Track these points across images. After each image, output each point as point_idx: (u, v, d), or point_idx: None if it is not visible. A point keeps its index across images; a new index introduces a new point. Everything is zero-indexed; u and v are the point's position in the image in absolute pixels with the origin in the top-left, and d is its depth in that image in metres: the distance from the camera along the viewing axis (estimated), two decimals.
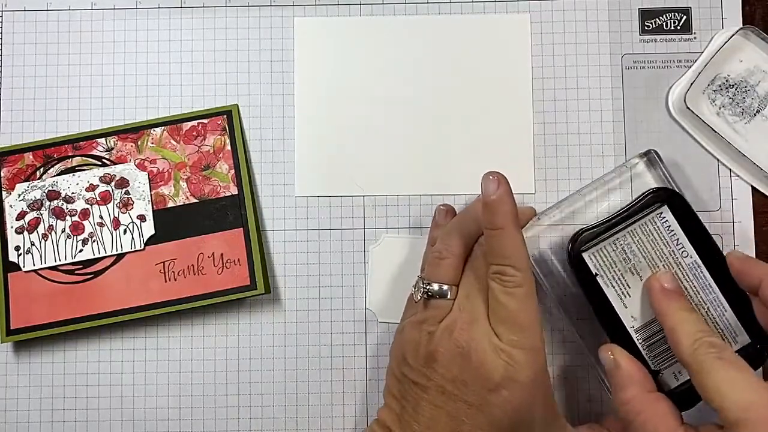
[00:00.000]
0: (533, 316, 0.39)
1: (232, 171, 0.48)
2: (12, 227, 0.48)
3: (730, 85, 0.49)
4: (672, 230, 0.42)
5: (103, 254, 0.48)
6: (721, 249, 0.42)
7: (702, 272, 0.42)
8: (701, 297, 0.42)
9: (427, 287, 0.41)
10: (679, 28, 0.50)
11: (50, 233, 0.48)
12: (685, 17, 0.50)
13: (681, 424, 0.37)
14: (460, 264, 0.41)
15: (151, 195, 0.48)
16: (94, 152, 0.49)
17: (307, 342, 0.48)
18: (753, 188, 0.49)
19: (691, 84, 0.48)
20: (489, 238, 0.40)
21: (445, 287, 0.41)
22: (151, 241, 0.47)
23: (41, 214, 0.48)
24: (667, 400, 0.39)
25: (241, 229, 0.48)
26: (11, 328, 0.47)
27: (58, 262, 0.47)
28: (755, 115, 0.49)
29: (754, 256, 0.48)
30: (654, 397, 0.39)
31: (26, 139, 0.49)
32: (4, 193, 0.48)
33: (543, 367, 0.38)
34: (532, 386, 0.37)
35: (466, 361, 0.38)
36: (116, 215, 0.48)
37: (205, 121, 0.49)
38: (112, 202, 0.48)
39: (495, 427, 0.37)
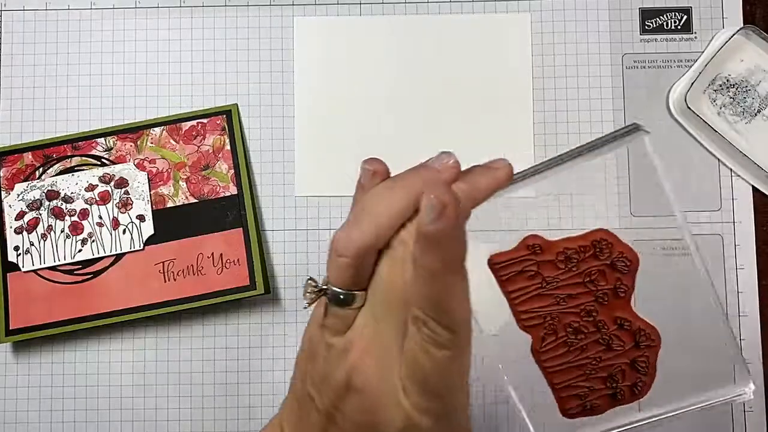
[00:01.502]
0: (455, 382, 0.29)
1: (232, 171, 0.48)
2: (11, 227, 0.48)
3: (730, 84, 0.49)
4: None
5: (102, 254, 0.47)
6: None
7: None
8: None
9: (320, 289, 0.31)
10: (679, 27, 0.50)
11: (49, 233, 0.48)
12: (685, 17, 0.50)
13: None
14: (366, 264, 0.29)
15: (150, 195, 0.48)
16: (94, 152, 0.48)
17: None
18: (753, 188, 0.49)
19: (692, 84, 0.48)
20: (417, 277, 0.28)
21: (343, 295, 0.29)
22: (150, 241, 0.47)
23: (40, 214, 0.48)
24: None
25: (241, 229, 0.47)
26: (10, 328, 0.47)
27: (58, 262, 0.47)
28: (756, 114, 0.49)
29: (754, 256, 0.48)
30: None
31: (25, 138, 0.49)
32: (3, 193, 0.48)
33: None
34: None
35: (359, 401, 0.29)
36: (115, 215, 0.48)
37: (204, 120, 0.49)
38: (111, 202, 0.48)
39: None
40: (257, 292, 0.46)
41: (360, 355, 0.29)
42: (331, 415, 0.30)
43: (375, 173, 0.32)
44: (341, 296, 0.29)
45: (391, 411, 0.29)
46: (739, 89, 0.49)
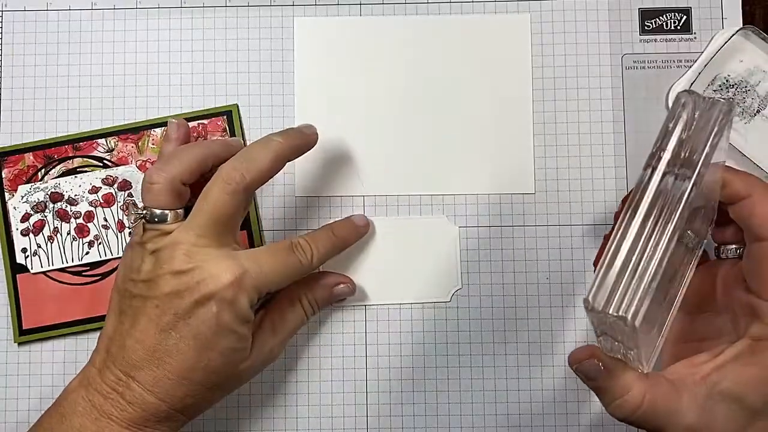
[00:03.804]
0: (238, 219, 0.41)
1: None
2: (17, 229, 0.48)
3: (730, 85, 0.49)
4: None
5: (109, 256, 0.48)
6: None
7: None
8: None
9: (141, 212, 0.40)
10: (679, 28, 0.50)
11: (56, 235, 0.48)
12: (685, 17, 0.50)
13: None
14: (179, 188, 0.41)
15: None
16: (95, 153, 0.49)
17: (307, 342, 0.48)
18: None
19: (692, 84, 0.48)
20: (249, 145, 0.42)
21: (159, 211, 0.40)
22: None
23: (45, 216, 0.48)
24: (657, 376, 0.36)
25: (244, 231, 0.48)
26: (23, 328, 0.47)
27: (66, 264, 0.48)
28: (755, 115, 0.49)
29: None
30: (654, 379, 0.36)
31: (26, 139, 0.49)
32: (6, 195, 0.48)
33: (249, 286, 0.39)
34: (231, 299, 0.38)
35: (182, 276, 0.38)
36: (120, 218, 0.48)
37: (205, 121, 0.49)
38: (115, 204, 0.48)
39: (199, 340, 0.38)
40: None
41: (182, 246, 0.39)
42: (158, 300, 0.38)
43: (179, 126, 0.45)
44: (157, 216, 0.40)
45: (219, 265, 0.38)
46: (738, 89, 0.49)
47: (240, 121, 0.49)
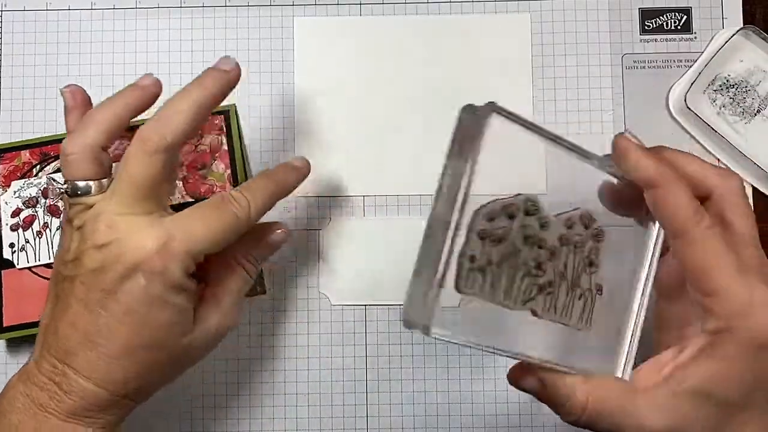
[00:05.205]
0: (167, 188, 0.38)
1: (228, 171, 0.48)
2: (7, 224, 0.48)
3: (730, 85, 0.49)
4: None
5: None
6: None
7: None
8: None
9: (62, 187, 0.38)
10: (679, 28, 0.50)
11: (45, 231, 0.48)
12: (685, 17, 0.50)
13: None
14: (97, 155, 0.37)
15: None
16: None
17: (307, 342, 0.48)
18: (753, 188, 0.49)
19: (692, 84, 0.48)
20: (164, 104, 0.39)
21: (82, 183, 0.37)
22: None
23: (36, 212, 0.48)
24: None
25: None
26: (4, 325, 0.47)
27: (53, 260, 0.47)
28: (755, 115, 0.49)
29: None
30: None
31: (25, 137, 0.49)
32: (0, 191, 0.48)
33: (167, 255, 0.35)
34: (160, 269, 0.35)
35: (105, 249, 0.35)
36: None
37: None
38: None
39: (131, 316, 0.35)
40: (254, 292, 0.46)
41: (105, 216, 0.36)
42: (84, 278, 0.35)
43: (73, 94, 0.41)
44: (80, 189, 0.37)
45: (142, 233, 0.35)
46: (738, 89, 0.49)
47: (238, 121, 0.49)
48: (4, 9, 0.51)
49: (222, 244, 0.38)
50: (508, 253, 0.32)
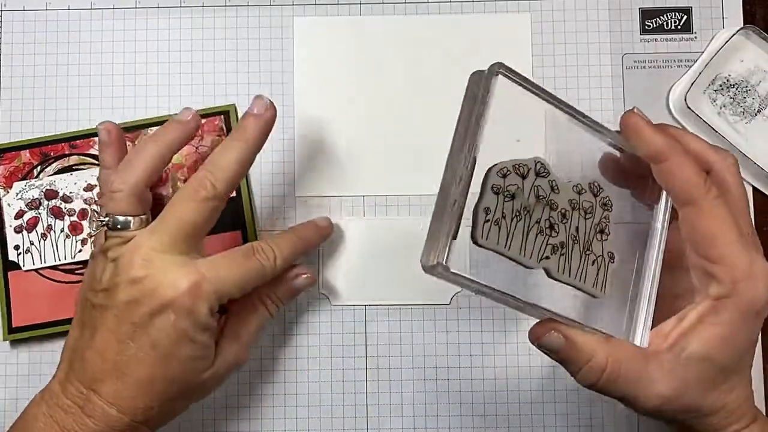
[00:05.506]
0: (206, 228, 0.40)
1: None
2: (11, 226, 0.48)
3: (730, 84, 0.49)
4: None
5: None
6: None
7: None
8: None
9: (103, 220, 0.39)
10: (679, 27, 0.50)
11: (49, 233, 0.48)
12: (685, 17, 0.50)
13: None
14: (141, 193, 0.40)
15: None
16: (91, 151, 0.48)
17: (307, 342, 0.48)
18: (754, 188, 0.49)
19: (692, 84, 0.48)
20: (214, 153, 0.40)
21: (122, 218, 0.39)
22: None
23: (39, 214, 0.48)
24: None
25: (240, 231, 0.47)
26: (13, 326, 0.47)
27: (58, 262, 0.47)
28: (756, 115, 0.49)
29: None
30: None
31: (24, 137, 0.49)
32: (1, 191, 0.48)
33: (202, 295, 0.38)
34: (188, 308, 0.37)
35: (139, 284, 0.37)
36: None
37: (202, 121, 0.49)
38: None
39: (159, 350, 0.37)
40: None
41: (143, 251, 0.38)
42: (116, 310, 0.38)
43: (110, 132, 0.43)
44: (120, 223, 0.39)
45: (177, 272, 0.37)
46: (739, 89, 0.49)
47: (238, 122, 0.49)
48: (4, 9, 0.50)
49: (247, 290, 0.40)
50: (521, 209, 0.33)
